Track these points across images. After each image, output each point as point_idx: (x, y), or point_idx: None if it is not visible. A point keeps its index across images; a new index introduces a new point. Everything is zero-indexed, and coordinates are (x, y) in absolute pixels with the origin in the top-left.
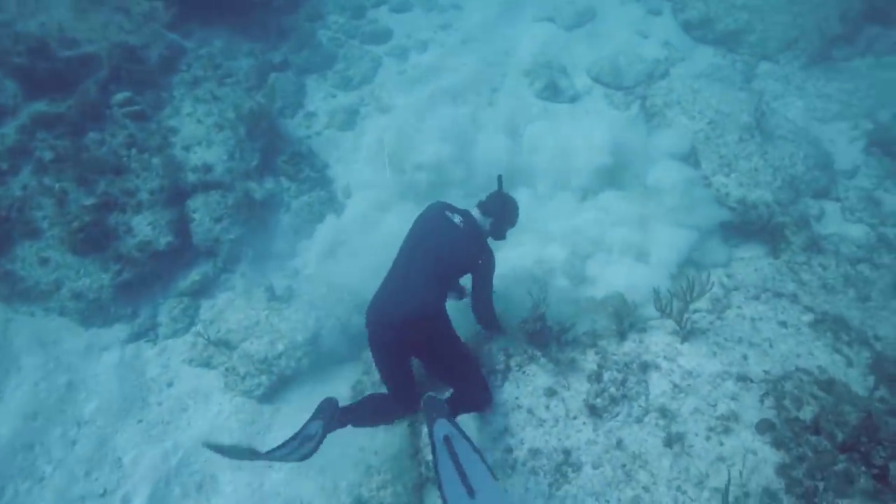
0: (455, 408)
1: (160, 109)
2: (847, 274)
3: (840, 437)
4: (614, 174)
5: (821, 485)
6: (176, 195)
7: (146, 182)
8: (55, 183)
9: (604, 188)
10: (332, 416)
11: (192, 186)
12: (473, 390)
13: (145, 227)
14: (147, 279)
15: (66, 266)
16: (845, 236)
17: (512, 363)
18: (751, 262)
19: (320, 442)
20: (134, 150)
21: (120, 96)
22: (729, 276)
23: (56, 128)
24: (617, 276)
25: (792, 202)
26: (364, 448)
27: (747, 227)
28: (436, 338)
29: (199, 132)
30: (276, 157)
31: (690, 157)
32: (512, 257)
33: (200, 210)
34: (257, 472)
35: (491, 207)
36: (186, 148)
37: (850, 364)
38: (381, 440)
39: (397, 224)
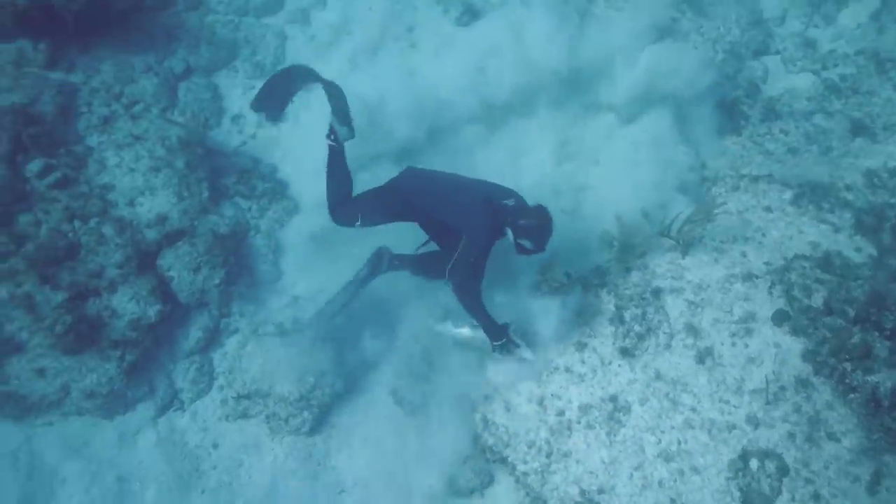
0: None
1: (83, 168)
2: (807, 131)
3: (852, 313)
4: (587, 80)
5: (847, 366)
6: (144, 259)
7: (108, 257)
8: (15, 289)
9: (580, 100)
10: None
11: (155, 244)
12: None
13: (129, 304)
14: (151, 352)
15: (67, 370)
16: (794, 91)
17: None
18: (718, 145)
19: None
20: (77, 223)
21: (34, 167)
22: (703, 166)
23: None
24: (614, 190)
25: (738, 71)
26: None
27: None
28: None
29: (136, 182)
30: (223, 178)
31: (665, 34)
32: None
33: (175, 266)
34: (334, 502)
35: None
36: (131, 203)
37: (836, 230)
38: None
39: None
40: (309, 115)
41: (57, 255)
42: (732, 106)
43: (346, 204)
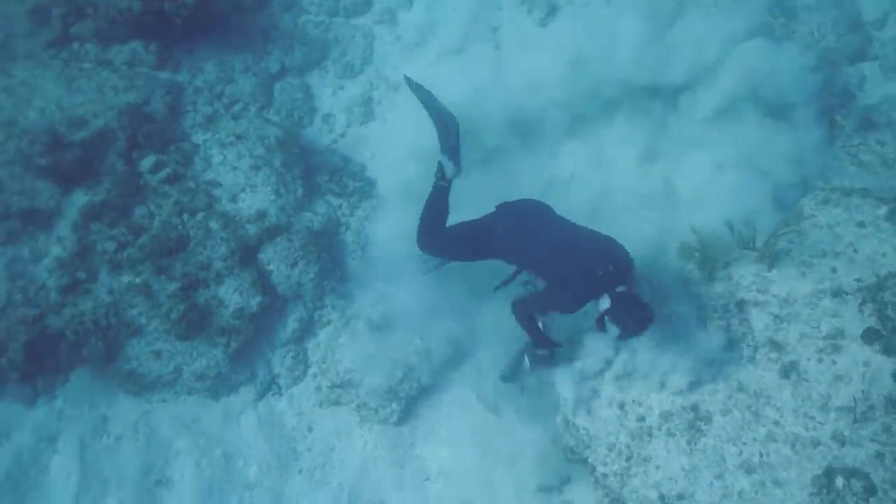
0: None
1: (190, 165)
2: None
3: None
4: (675, 83)
5: None
6: (246, 253)
7: (215, 250)
8: (135, 278)
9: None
10: None
11: (256, 239)
12: None
13: (233, 295)
14: (252, 340)
15: (179, 353)
16: (893, 99)
17: None
18: (809, 155)
19: None
20: (186, 216)
21: (147, 163)
22: (793, 177)
23: (105, 216)
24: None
25: (832, 78)
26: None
27: None
28: None
29: (238, 179)
30: (316, 176)
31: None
32: None
33: (274, 261)
34: (419, 489)
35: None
36: (233, 199)
37: None
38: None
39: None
40: (396, 114)
41: (169, 247)
42: (825, 115)
43: (436, 236)
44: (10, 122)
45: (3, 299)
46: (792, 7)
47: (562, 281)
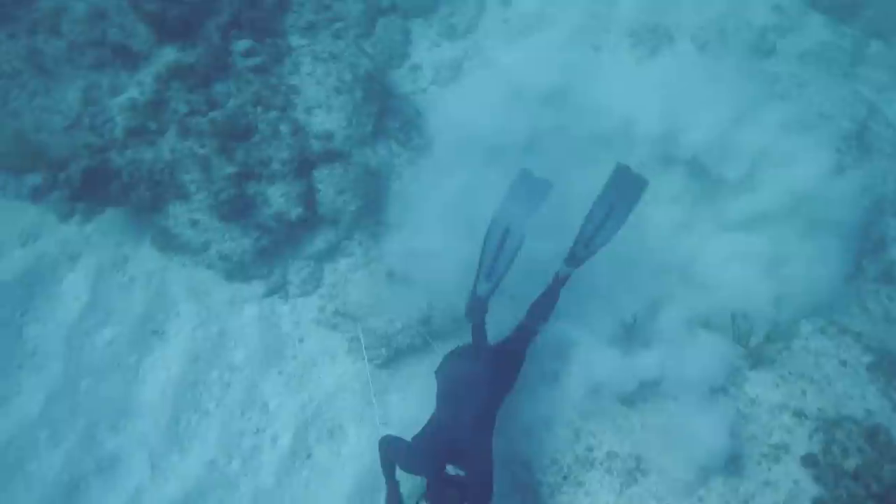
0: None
1: (279, 63)
2: None
3: (874, 489)
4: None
5: None
6: (303, 165)
7: (278, 151)
8: (199, 148)
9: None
10: None
11: (315, 156)
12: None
13: (279, 199)
14: (280, 244)
15: (214, 230)
16: None
17: None
18: (824, 284)
19: None
20: (259, 109)
21: (241, 45)
22: (802, 297)
23: (188, 79)
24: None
25: (873, 224)
26: None
27: None
28: None
29: (319, 95)
30: (387, 119)
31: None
32: None
33: (326, 182)
34: (375, 429)
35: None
36: (308, 111)
37: (895, 409)
38: None
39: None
40: (478, 88)
41: (236, 131)
42: (855, 254)
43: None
44: None
45: (72, 117)
46: (869, 145)
47: (421, 442)
